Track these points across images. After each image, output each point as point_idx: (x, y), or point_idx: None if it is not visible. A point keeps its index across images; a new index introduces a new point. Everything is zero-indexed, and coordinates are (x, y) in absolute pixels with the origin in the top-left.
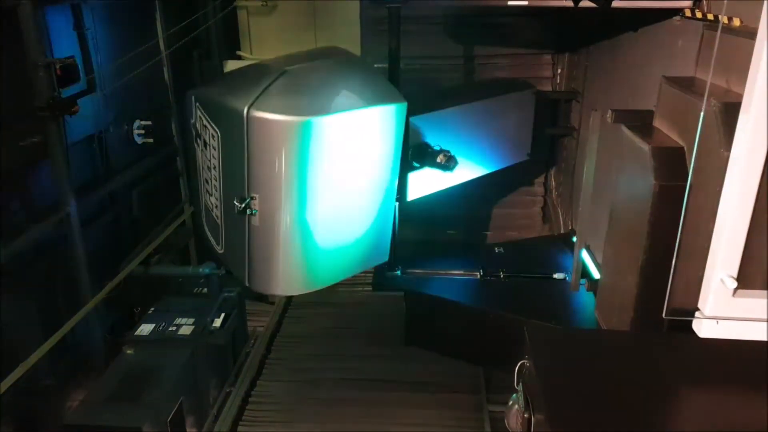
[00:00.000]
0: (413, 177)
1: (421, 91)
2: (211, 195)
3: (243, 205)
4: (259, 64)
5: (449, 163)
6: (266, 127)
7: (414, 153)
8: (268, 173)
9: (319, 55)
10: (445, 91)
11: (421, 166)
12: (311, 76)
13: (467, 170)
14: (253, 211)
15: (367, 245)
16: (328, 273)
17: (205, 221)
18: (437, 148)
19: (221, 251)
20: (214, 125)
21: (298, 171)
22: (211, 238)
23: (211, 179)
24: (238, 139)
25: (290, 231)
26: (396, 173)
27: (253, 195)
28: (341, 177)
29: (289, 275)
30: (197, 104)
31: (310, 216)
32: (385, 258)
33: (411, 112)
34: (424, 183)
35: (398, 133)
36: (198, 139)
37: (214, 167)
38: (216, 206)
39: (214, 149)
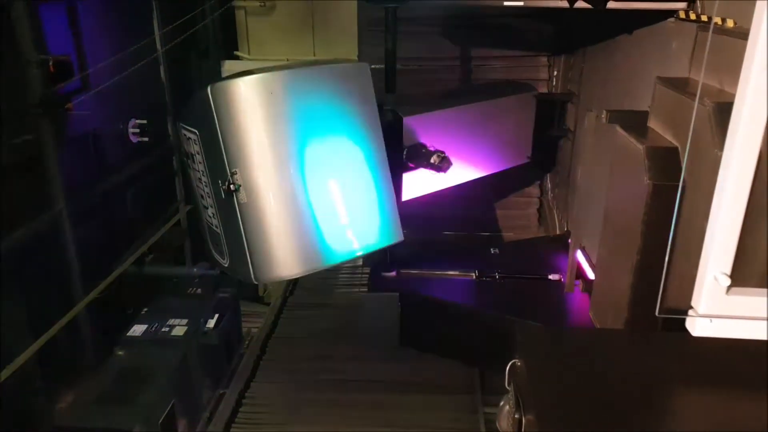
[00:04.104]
0: (409, 177)
1: (419, 92)
2: (207, 208)
3: (227, 185)
4: None
5: (443, 164)
6: (226, 91)
7: (409, 153)
8: (240, 142)
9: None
10: (443, 91)
11: (416, 167)
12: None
13: (466, 171)
14: (237, 186)
15: (369, 221)
16: (330, 250)
17: (210, 244)
18: (432, 148)
19: (227, 264)
20: (192, 128)
21: (266, 129)
22: (217, 256)
23: (204, 190)
24: (211, 123)
25: (278, 200)
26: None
27: (233, 170)
28: (315, 143)
29: (289, 252)
30: (180, 123)
31: (295, 184)
32: (397, 238)
33: (408, 111)
34: (422, 183)
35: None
36: (188, 160)
37: (202, 172)
38: (213, 216)
39: (197, 154)
